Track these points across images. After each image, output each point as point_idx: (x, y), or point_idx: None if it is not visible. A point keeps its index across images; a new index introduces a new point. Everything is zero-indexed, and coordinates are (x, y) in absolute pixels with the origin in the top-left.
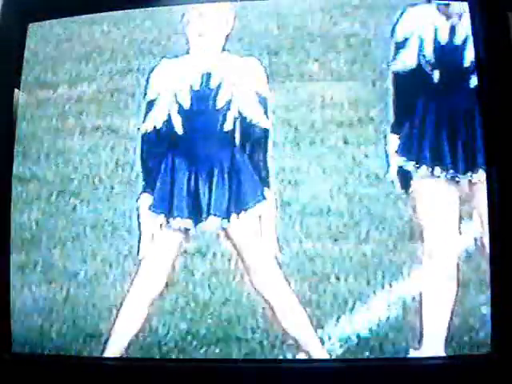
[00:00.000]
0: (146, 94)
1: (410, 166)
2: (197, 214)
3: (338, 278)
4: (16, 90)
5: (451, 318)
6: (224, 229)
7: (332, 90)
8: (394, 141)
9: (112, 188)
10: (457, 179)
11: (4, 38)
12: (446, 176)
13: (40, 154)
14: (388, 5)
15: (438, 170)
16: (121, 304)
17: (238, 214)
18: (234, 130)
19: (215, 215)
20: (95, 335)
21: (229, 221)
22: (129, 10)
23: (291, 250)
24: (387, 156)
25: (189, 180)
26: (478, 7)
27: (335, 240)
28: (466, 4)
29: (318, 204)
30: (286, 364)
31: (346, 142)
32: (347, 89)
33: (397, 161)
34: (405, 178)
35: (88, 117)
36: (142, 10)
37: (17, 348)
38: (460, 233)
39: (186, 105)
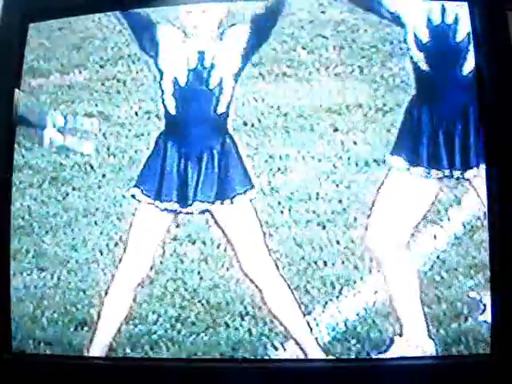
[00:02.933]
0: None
1: (404, 164)
2: (183, 198)
3: (325, 264)
4: (16, 90)
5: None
6: (212, 215)
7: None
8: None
9: (103, 176)
10: (447, 179)
11: (4, 38)
12: (438, 176)
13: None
14: None
15: (434, 171)
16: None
17: (225, 200)
18: (226, 114)
19: (201, 201)
20: (86, 322)
21: (215, 206)
22: None
23: (280, 235)
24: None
25: (178, 163)
26: (478, 7)
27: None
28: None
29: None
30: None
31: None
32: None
33: (391, 159)
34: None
35: (79, 104)
36: None
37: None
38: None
39: (182, 84)
